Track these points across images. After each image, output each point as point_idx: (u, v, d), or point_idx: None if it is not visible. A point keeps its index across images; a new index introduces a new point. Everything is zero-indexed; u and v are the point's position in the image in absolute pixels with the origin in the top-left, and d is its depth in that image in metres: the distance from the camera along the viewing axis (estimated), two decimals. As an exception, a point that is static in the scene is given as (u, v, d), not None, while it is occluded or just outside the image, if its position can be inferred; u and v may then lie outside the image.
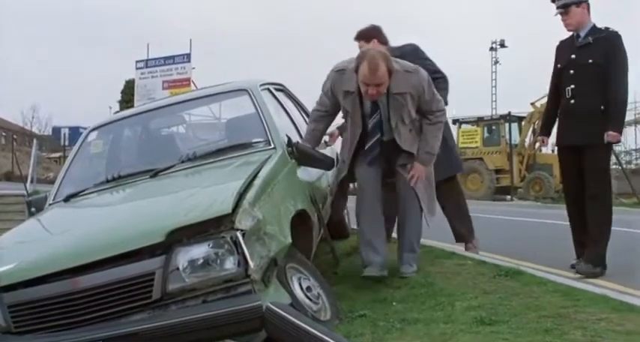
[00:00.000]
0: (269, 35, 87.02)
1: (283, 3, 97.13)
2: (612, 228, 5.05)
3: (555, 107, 5.34)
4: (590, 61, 5.05)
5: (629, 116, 27.61)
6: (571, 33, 5.21)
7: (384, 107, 4.36)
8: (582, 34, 5.14)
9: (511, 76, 61.22)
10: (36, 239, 3.58)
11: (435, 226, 4.70)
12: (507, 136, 23.07)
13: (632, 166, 27.37)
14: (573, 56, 5.17)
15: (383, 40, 5.67)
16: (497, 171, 22.87)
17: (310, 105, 4.98)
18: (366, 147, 4.45)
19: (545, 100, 23.02)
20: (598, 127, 4.93)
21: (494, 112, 28.31)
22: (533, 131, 22.43)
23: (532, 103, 23.24)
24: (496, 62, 36.73)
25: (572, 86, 5.15)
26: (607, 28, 5.11)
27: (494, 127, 23.89)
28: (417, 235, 4.58)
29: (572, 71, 5.17)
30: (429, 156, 4.49)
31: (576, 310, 3.51)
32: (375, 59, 4.12)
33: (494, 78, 35.84)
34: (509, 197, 22.36)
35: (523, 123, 23.25)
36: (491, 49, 37.18)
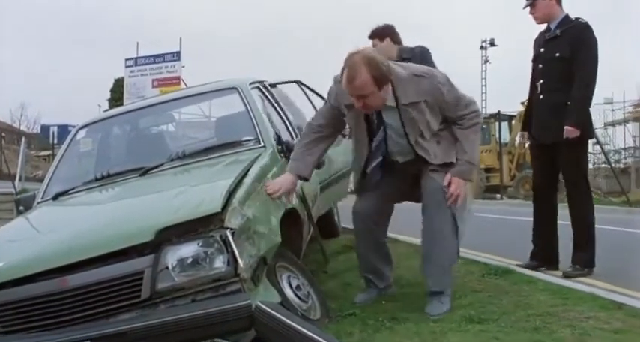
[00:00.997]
0: (257, 34, 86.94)
1: (271, 1, 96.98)
2: (602, 227, 5.04)
3: (532, 102, 5.25)
4: (557, 54, 4.90)
5: (619, 115, 27.86)
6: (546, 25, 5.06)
7: (396, 122, 3.72)
8: (552, 26, 4.98)
9: (501, 75, 61.28)
10: (24, 238, 3.56)
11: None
12: (497, 135, 23.14)
13: (621, 165, 27.51)
14: (542, 50, 5.06)
15: (396, 40, 5.70)
16: (487, 170, 22.94)
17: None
18: (368, 171, 3.90)
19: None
20: (568, 123, 4.79)
21: (484, 111, 28.42)
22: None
23: (522, 102, 23.33)
24: (486, 61, 36.95)
25: (542, 81, 5.05)
26: (577, 19, 4.94)
27: (484, 126, 23.91)
28: (448, 264, 3.82)
29: (540, 65, 5.06)
30: (469, 167, 3.76)
31: (565, 308, 3.53)
32: (355, 66, 3.46)
33: (483, 77, 35.99)
34: (499, 196, 22.41)
35: (513, 122, 23.34)
36: (481, 47, 37.38)
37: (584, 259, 4.85)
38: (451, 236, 3.71)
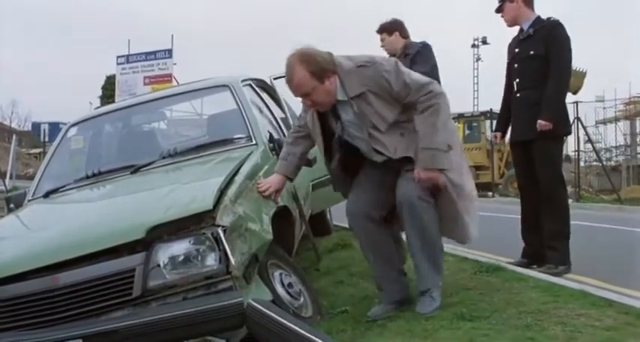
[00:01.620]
0: (245, 32, 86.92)
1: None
2: (593, 225, 5.06)
3: (507, 102, 5.29)
4: (532, 52, 4.99)
5: (610, 113, 27.93)
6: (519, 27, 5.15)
7: (351, 116, 3.57)
8: (525, 27, 5.08)
9: (493, 72, 61.35)
10: (15, 236, 3.55)
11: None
12: (488, 133, 23.20)
13: (612, 163, 27.59)
14: (517, 49, 5.14)
15: (405, 35, 5.77)
16: (478, 167, 22.99)
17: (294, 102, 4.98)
18: (332, 167, 3.80)
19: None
20: (540, 117, 4.84)
21: (475, 109, 28.50)
22: None
23: None
24: (478, 59, 37.04)
25: (518, 80, 5.13)
26: (549, 19, 5.04)
27: (474, 124, 24.05)
28: (433, 263, 3.65)
29: (516, 65, 5.15)
30: (430, 153, 3.41)
31: (556, 305, 3.53)
32: (290, 66, 3.43)
33: (475, 75, 36.05)
34: (490, 194, 22.49)
35: None
36: (474, 45, 37.45)
37: (557, 257, 4.86)
38: (431, 237, 3.57)
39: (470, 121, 24.13)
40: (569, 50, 4.96)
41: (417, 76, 3.51)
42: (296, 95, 3.51)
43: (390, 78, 3.43)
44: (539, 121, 4.79)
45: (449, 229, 3.67)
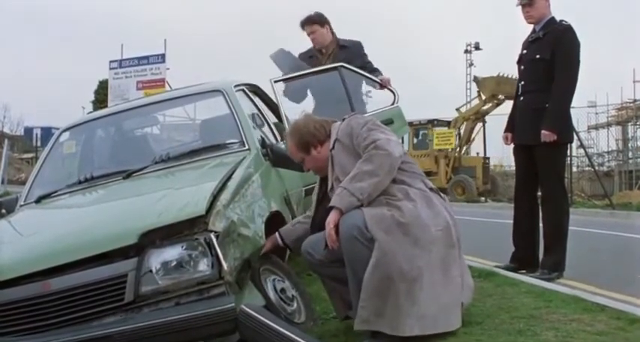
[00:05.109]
0: (233, 34, 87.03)
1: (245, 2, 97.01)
2: (586, 230, 5.07)
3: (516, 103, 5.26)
4: (538, 56, 4.92)
5: (602, 119, 28.06)
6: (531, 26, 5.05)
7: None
8: (537, 28, 4.99)
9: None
10: (6, 241, 3.53)
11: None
12: (435, 140, 24.07)
13: (605, 169, 27.70)
14: (524, 51, 5.08)
15: (332, 30, 5.76)
16: (427, 173, 23.27)
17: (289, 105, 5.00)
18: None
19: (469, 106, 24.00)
20: (544, 126, 4.79)
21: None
22: (458, 135, 24.50)
23: (457, 109, 24.35)
24: (471, 64, 37.13)
25: (522, 82, 5.09)
26: (560, 21, 4.93)
27: (422, 132, 25.18)
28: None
29: (522, 67, 5.10)
30: (342, 193, 3.19)
31: (549, 310, 3.55)
32: (287, 138, 3.71)
33: (468, 80, 36.12)
34: (483, 199, 22.67)
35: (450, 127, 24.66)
36: (466, 51, 37.53)
37: (552, 262, 4.84)
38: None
39: (418, 129, 25.10)
40: (577, 56, 4.86)
41: (379, 133, 3.34)
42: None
43: (357, 127, 3.40)
44: (542, 131, 4.75)
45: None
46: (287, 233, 3.69)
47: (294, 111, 5.61)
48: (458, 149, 24.18)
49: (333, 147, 3.48)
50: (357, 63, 5.39)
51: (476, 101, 25.03)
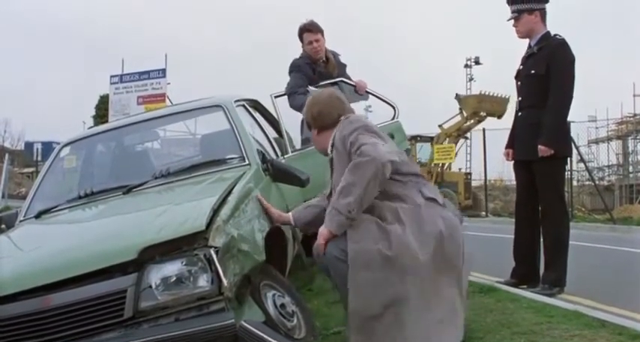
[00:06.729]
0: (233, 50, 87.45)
1: (245, 18, 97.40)
2: (586, 244, 5.06)
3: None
4: (533, 71, 4.92)
5: (602, 133, 28.09)
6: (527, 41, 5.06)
7: None
8: (532, 43, 5.00)
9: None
10: (6, 256, 3.52)
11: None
12: (418, 155, 24.44)
13: (605, 183, 27.69)
14: (521, 67, 5.10)
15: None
16: None
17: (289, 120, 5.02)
18: None
19: (451, 123, 24.29)
20: (540, 141, 4.79)
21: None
22: None
23: (440, 125, 24.39)
24: (471, 79, 37.23)
25: (520, 98, 5.10)
26: (554, 36, 4.93)
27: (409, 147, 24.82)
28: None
29: (519, 83, 5.11)
30: (331, 213, 3.24)
31: (549, 326, 3.54)
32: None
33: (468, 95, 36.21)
34: (483, 213, 22.65)
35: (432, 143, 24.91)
36: (466, 66, 37.65)
37: (553, 278, 4.83)
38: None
39: None
40: (571, 71, 4.85)
41: (364, 139, 3.29)
42: None
43: (348, 134, 3.36)
44: (539, 146, 4.76)
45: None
46: (298, 215, 3.79)
47: (294, 127, 5.66)
48: (440, 165, 24.38)
49: (332, 151, 3.52)
50: (342, 72, 5.45)
51: (458, 118, 25.22)
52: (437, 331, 3.12)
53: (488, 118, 23.87)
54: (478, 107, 23.90)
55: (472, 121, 24.67)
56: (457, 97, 25.65)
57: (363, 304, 3.11)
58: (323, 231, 3.28)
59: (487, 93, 23.64)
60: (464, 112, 24.65)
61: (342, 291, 3.23)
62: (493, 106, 23.57)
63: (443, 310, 3.16)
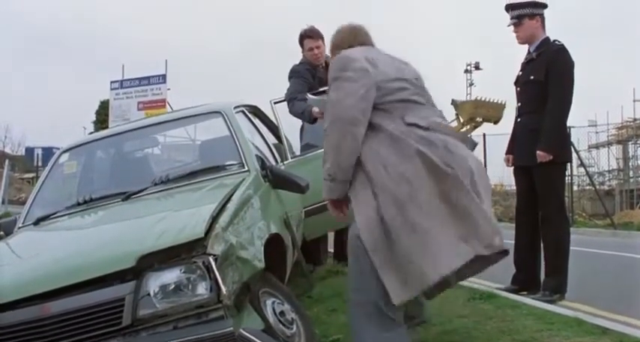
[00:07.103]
0: (232, 54, 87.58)
1: (243, 21, 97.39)
2: (587, 250, 5.04)
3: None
4: (532, 77, 4.93)
5: (603, 138, 28.10)
6: (527, 46, 5.06)
7: None
8: (532, 49, 5.01)
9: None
10: (4, 264, 3.51)
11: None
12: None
13: (606, 188, 27.67)
14: (520, 73, 5.11)
15: None
16: None
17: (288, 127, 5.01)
18: None
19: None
20: (539, 147, 4.80)
21: (468, 134, 28.81)
22: None
23: None
24: (471, 84, 37.27)
25: (519, 104, 5.10)
26: (554, 42, 4.93)
27: None
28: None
29: (518, 89, 5.12)
30: (324, 182, 3.08)
31: (550, 333, 3.52)
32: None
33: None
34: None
35: None
36: (466, 71, 37.70)
37: (554, 285, 4.81)
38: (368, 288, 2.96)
39: None
40: (570, 76, 4.85)
41: (336, 86, 3.08)
42: None
43: (330, 78, 3.15)
44: (538, 152, 4.75)
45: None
46: None
47: (293, 134, 5.65)
48: None
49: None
50: None
51: (454, 124, 25.18)
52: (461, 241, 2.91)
53: (485, 124, 23.82)
54: (474, 113, 23.75)
55: (468, 126, 24.60)
56: (453, 102, 25.56)
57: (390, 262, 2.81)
58: (328, 205, 3.16)
59: (483, 99, 23.53)
60: (460, 118, 24.62)
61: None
62: (489, 111, 23.38)
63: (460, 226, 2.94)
